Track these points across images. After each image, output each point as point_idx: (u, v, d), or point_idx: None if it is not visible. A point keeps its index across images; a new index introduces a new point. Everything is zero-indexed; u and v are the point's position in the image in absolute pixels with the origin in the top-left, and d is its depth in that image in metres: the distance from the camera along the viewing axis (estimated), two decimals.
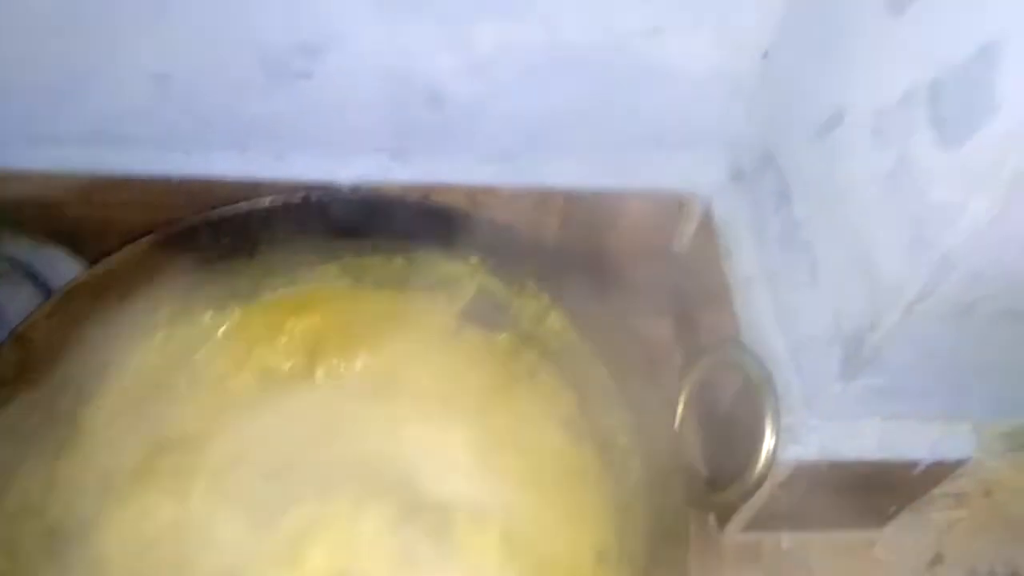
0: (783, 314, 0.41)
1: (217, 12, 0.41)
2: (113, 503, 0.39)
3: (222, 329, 0.46)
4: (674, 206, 0.50)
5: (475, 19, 0.42)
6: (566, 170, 0.49)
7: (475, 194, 0.49)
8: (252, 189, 0.48)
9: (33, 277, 0.47)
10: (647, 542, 0.36)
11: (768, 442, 0.34)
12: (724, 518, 0.44)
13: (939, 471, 0.41)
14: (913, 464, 0.40)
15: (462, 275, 0.47)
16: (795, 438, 0.39)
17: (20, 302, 0.46)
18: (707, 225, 0.48)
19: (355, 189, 0.48)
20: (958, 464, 0.40)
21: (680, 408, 0.39)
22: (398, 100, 0.45)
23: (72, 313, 0.42)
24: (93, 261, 0.48)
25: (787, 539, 0.47)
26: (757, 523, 0.45)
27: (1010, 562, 0.48)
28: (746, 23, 0.42)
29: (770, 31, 0.42)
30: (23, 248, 0.47)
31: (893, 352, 0.33)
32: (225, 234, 0.45)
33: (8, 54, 0.43)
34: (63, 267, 0.47)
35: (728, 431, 0.41)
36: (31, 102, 0.46)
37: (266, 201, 0.46)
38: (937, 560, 0.49)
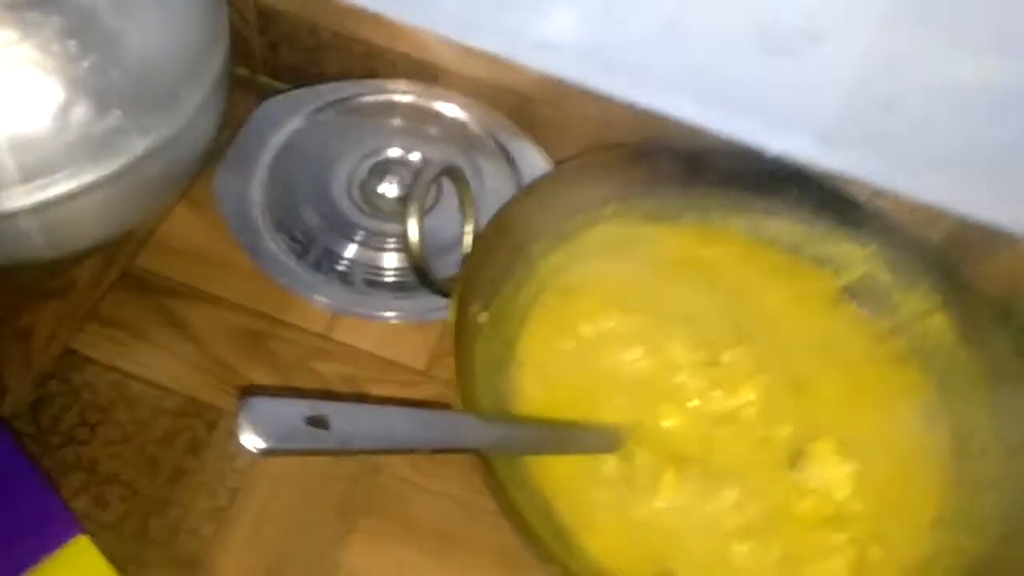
0: None
1: None
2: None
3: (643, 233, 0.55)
4: None
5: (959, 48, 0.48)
6: (971, 200, 0.54)
7: (877, 194, 0.56)
8: (694, 134, 0.56)
9: (510, 161, 0.58)
10: (996, 526, 0.42)
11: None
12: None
13: None
14: None
15: (854, 257, 0.54)
16: None
17: (496, 179, 0.58)
18: None
19: (778, 160, 0.56)
20: None
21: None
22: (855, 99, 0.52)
23: (540, 196, 0.53)
24: (555, 158, 0.58)
25: None
26: None
27: None
28: None
29: None
30: (506, 133, 0.59)
31: None
32: (674, 162, 0.54)
33: None
34: (533, 158, 0.58)
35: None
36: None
37: (714, 147, 0.55)
38: None
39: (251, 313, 0.53)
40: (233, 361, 0.51)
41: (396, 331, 0.54)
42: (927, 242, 0.52)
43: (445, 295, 0.44)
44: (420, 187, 0.41)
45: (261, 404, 0.33)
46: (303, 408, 0.34)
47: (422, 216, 0.42)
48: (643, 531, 0.44)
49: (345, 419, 0.35)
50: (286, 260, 0.53)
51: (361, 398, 0.51)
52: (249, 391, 0.49)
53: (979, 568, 0.42)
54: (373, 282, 0.55)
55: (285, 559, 0.45)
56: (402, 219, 0.43)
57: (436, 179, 0.43)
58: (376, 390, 0.52)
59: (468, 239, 0.47)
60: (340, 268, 0.54)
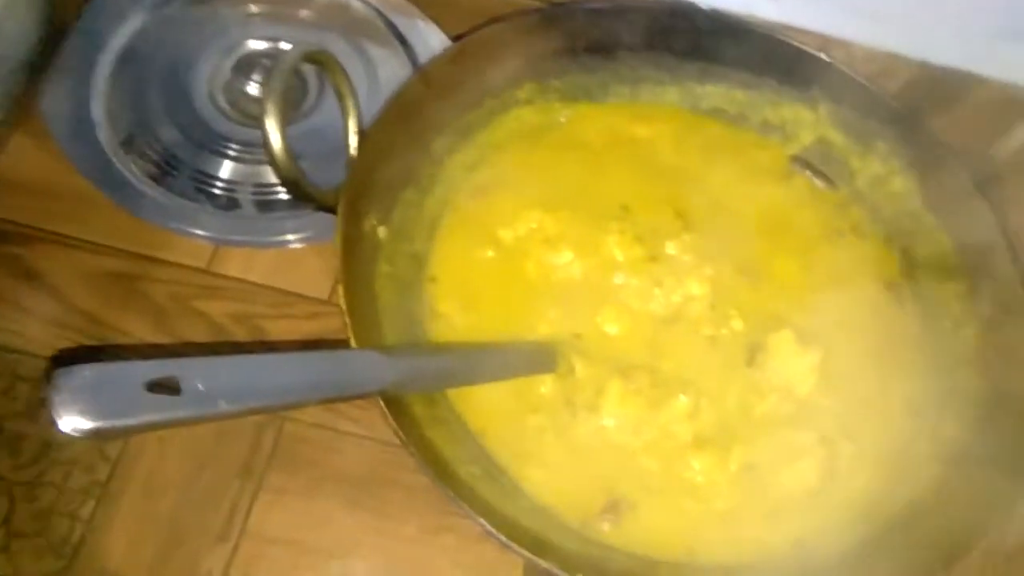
0: None
1: None
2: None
3: (564, 117, 0.48)
4: None
5: None
6: (929, 43, 0.47)
7: (828, 45, 0.49)
8: None
9: (403, 43, 0.49)
10: (975, 408, 0.38)
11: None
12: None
13: None
14: None
15: (804, 121, 0.47)
16: None
17: (389, 65, 0.49)
18: None
19: (714, 12, 0.48)
20: None
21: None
22: None
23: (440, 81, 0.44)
24: (452, 35, 0.50)
25: None
26: None
27: None
28: None
29: None
30: (394, 10, 0.49)
31: None
32: (593, 27, 0.46)
33: None
34: (429, 37, 0.49)
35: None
36: None
37: (638, 4, 0.47)
38: None
39: (117, 254, 0.45)
40: (101, 312, 0.44)
41: (293, 257, 0.46)
42: (884, 95, 0.45)
43: (331, 209, 0.37)
44: (276, 79, 0.33)
45: (83, 373, 0.26)
46: (141, 370, 0.27)
47: (283, 114, 0.34)
48: (589, 455, 0.39)
49: (201, 377, 0.28)
50: (144, 188, 0.45)
51: (260, 340, 0.45)
52: (64, 357, 0.42)
53: (958, 454, 0.38)
54: (265, 203, 0.47)
55: (180, 533, 0.39)
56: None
57: (296, 67, 0.34)
58: (274, 327, 0.45)
59: (352, 138, 0.39)
60: (216, 191, 0.46)
